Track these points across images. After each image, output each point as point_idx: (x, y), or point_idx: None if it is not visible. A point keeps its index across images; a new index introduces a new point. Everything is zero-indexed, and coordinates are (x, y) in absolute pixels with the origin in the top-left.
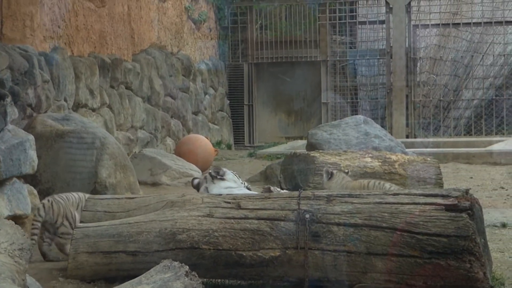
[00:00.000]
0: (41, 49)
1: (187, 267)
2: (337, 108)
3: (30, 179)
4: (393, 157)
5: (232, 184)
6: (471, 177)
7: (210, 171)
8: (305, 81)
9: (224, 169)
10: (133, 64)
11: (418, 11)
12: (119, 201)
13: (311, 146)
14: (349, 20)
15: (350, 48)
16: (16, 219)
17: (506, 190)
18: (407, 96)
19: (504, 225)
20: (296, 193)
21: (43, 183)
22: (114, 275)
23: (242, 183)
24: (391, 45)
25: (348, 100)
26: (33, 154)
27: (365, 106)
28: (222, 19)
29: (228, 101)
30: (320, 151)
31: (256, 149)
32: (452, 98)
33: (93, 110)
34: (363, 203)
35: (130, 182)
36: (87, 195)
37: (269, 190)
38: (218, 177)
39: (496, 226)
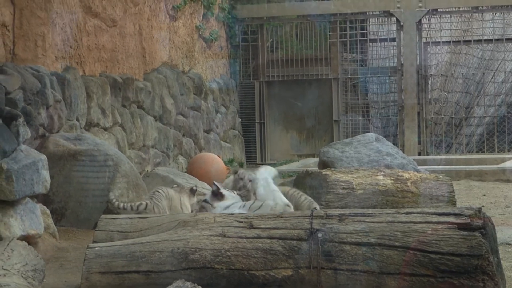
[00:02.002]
0: (53, 69)
1: (200, 287)
2: (349, 125)
3: (43, 198)
4: (406, 175)
5: (229, 202)
6: (484, 195)
7: (206, 198)
8: (316, 99)
9: (220, 189)
10: (144, 83)
11: (429, 29)
12: (131, 221)
13: (323, 164)
14: (360, 38)
15: (361, 65)
16: (29, 238)
17: None
18: (418, 113)
19: None
20: (308, 212)
21: (55, 203)
22: None
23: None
24: (402, 62)
25: (360, 118)
26: (45, 174)
27: (376, 123)
28: (233, 37)
29: (240, 119)
30: (332, 169)
31: None
32: (464, 115)
33: (105, 129)
34: (375, 222)
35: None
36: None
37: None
38: (219, 197)
39: (509, 244)
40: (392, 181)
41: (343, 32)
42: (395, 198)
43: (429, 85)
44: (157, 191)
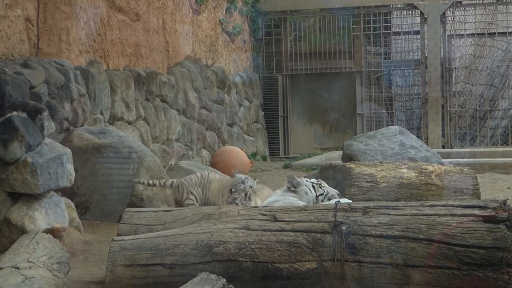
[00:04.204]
0: (77, 63)
1: (224, 280)
2: (373, 118)
3: (67, 192)
4: (430, 168)
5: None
6: (509, 187)
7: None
8: (340, 92)
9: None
10: (168, 77)
11: (453, 21)
12: (155, 214)
13: (347, 157)
14: (384, 31)
15: (385, 58)
16: (54, 232)
17: None
18: (442, 106)
19: None
20: (332, 205)
21: (80, 196)
22: None
23: (322, 193)
24: (426, 55)
25: (384, 111)
26: (70, 167)
27: (400, 116)
28: (256, 31)
29: (263, 113)
30: (356, 162)
31: (291, 160)
32: (488, 108)
33: (129, 123)
34: (400, 214)
35: (166, 194)
36: (210, 174)
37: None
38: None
39: None
40: (416, 174)
41: (366, 25)
42: (419, 191)
43: (453, 78)
44: (194, 174)
